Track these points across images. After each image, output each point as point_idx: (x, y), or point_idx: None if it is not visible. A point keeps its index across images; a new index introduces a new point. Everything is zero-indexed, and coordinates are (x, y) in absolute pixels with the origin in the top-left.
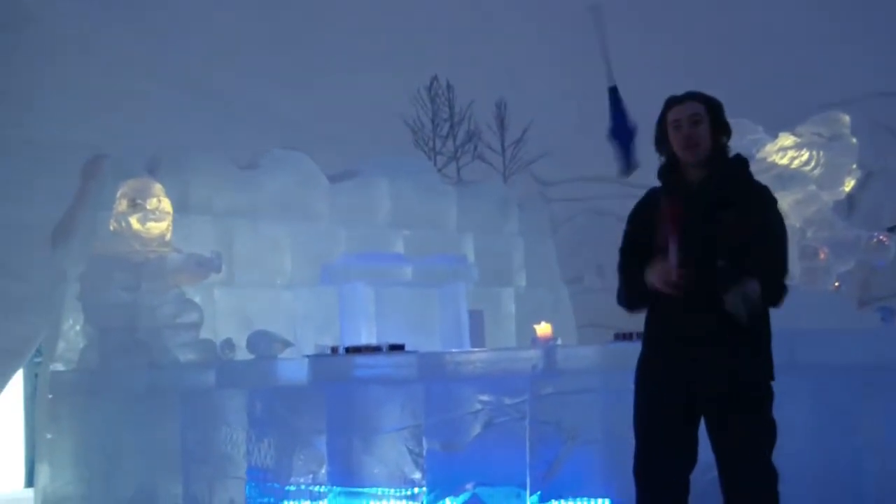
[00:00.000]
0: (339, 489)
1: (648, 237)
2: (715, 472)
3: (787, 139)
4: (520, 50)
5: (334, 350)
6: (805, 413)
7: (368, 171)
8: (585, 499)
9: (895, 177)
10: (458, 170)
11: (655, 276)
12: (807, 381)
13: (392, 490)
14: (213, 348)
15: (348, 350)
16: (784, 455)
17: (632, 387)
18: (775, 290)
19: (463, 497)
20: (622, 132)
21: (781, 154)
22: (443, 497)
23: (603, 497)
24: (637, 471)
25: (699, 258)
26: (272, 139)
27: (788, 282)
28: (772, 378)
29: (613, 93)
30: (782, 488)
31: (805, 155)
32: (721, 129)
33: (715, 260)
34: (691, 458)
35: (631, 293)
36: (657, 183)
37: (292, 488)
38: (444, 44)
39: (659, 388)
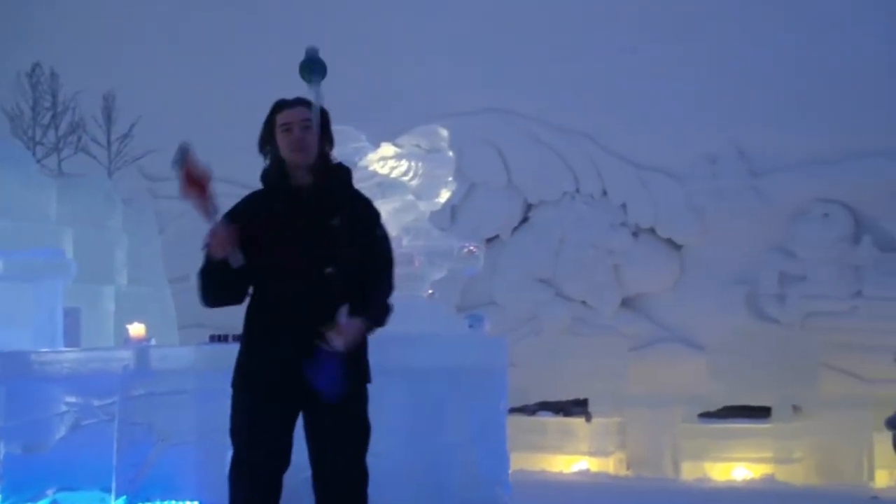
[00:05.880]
0: None
1: (245, 236)
2: (308, 473)
3: (388, 149)
4: (130, 42)
5: None
6: (397, 414)
7: None
8: (175, 501)
9: (496, 190)
10: (60, 161)
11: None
12: (399, 384)
13: None
14: None
15: None
16: (376, 455)
17: (227, 388)
18: (382, 313)
19: (42, 503)
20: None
21: (382, 163)
22: None
23: (192, 499)
24: (232, 472)
25: (308, 263)
26: None
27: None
28: (368, 381)
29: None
30: (374, 488)
31: (404, 165)
32: (328, 137)
33: (323, 266)
34: (286, 460)
35: (215, 285)
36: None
37: None
38: (50, 30)
39: (257, 390)
